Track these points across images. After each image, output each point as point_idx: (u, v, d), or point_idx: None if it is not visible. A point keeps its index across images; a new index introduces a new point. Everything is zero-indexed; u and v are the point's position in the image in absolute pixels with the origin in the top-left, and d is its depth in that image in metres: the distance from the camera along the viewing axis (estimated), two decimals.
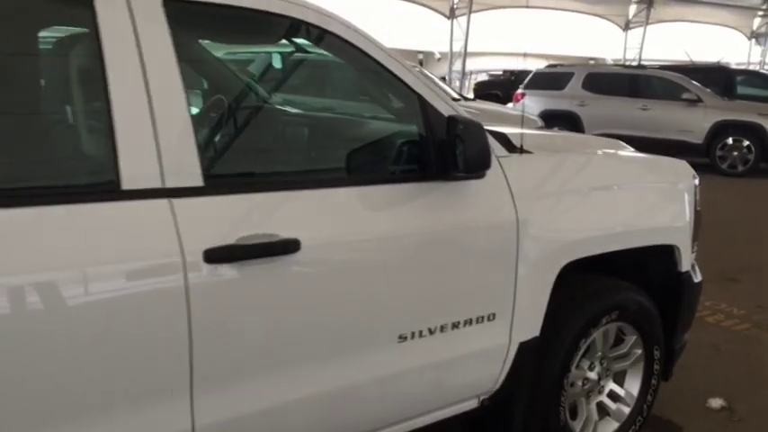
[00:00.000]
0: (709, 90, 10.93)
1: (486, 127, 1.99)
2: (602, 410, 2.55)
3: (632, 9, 22.01)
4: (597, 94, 11.49)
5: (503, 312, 2.07)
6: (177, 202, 1.48)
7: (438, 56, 23.22)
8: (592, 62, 21.42)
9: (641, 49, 21.94)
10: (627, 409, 2.57)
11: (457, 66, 18.58)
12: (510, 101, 12.70)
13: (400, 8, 18.83)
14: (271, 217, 1.62)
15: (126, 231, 1.43)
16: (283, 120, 2.50)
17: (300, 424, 1.77)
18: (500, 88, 18.69)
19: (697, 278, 2.71)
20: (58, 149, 1.64)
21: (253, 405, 1.64)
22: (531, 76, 12.63)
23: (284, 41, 2.21)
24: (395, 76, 1.88)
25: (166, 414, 1.52)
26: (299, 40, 2.15)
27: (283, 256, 1.60)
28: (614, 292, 2.40)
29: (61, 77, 1.74)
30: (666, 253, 2.55)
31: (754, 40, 24.81)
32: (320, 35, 1.86)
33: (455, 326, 1.97)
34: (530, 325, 2.15)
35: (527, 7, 19.04)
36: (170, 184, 1.48)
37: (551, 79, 12.13)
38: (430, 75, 9.70)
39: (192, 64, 2.02)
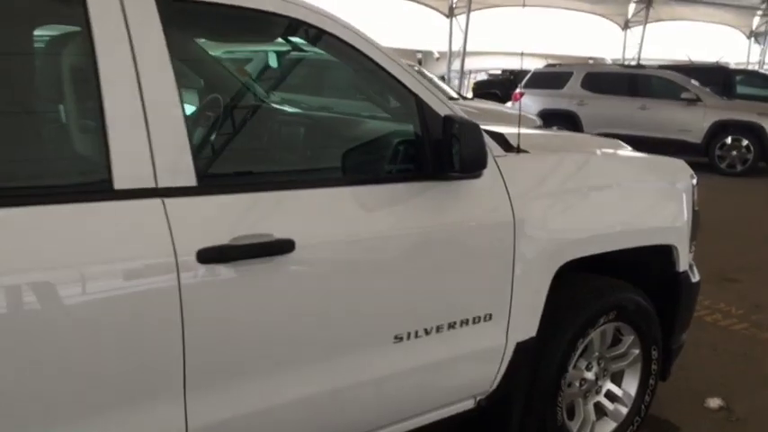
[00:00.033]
0: (708, 89, 10.93)
1: (482, 127, 1.98)
2: (600, 411, 2.54)
3: (631, 8, 21.97)
4: (596, 93, 11.48)
5: (499, 312, 2.06)
6: (170, 201, 1.47)
7: (437, 55, 23.20)
8: (591, 61, 21.42)
9: (640, 48, 21.91)
10: (624, 410, 2.56)
11: (456, 65, 18.55)
12: (509, 100, 12.69)
13: (399, 7, 18.81)
14: (265, 217, 1.61)
15: (118, 231, 1.42)
16: (278, 119, 2.49)
17: (295, 425, 1.76)
18: (499, 87, 18.70)
19: (695, 278, 2.71)
20: (49, 149, 1.62)
21: (246, 406, 1.63)
22: (529, 75, 12.62)
23: (280, 41, 2.20)
24: (391, 75, 1.87)
25: (159, 415, 1.51)
26: (295, 39, 2.14)
27: (277, 257, 1.59)
28: (612, 292, 2.39)
29: (53, 76, 1.72)
30: (664, 253, 2.55)
31: (753, 39, 24.79)
32: (315, 34, 1.86)
33: (451, 326, 1.96)
34: (526, 325, 2.14)
35: (526, 6, 19.02)
36: (163, 183, 1.47)
37: (550, 78, 12.12)
38: (429, 74, 9.69)
39: (185, 63, 2.00)
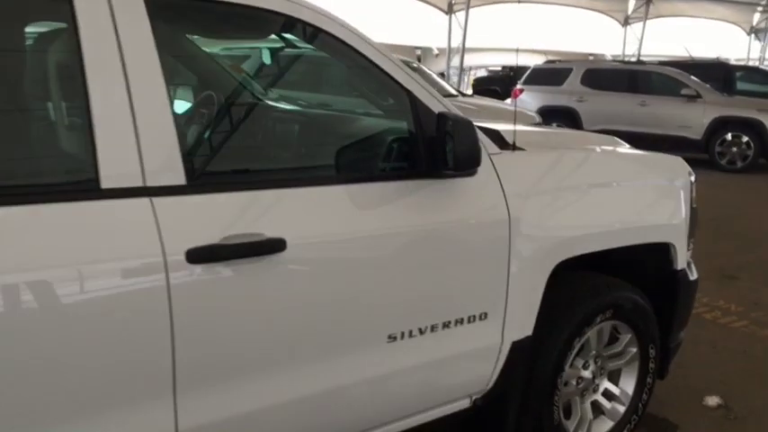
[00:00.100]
0: (708, 86, 10.90)
1: (478, 124, 1.96)
2: (597, 409, 2.53)
3: (631, 4, 21.93)
4: (596, 89, 11.46)
5: (495, 311, 2.04)
6: (158, 201, 1.45)
7: (436, 51, 23.15)
8: (591, 58, 21.39)
9: (640, 44, 21.87)
10: (622, 408, 2.55)
11: (455, 61, 18.51)
12: (509, 97, 12.66)
13: (398, 3, 18.79)
14: (256, 216, 1.59)
15: (105, 231, 1.40)
16: (270, 116, 2.47)
17: (287, 426, 1.74)
18: (499, 84, 18.68)
19: (693, 276, 2.69)
20: (35, 147, 1.60)
21: (237, 407, 1.61)
22: (529, 71, 12.60)
23: (272, 37, 2.18)
24: (383, 71, 1.85)
25: (149, 416, 1.49)
26: (287, 36, 2.12)
27: (269, 256, 1.57)
28: (609, 290, 2.37)
29: (38, 73, 1.70)
30: (662, 251, 2.53)
31: (753, 35, 24.74)
32: (308, 31, 1.83)
33: (446, 325, 1.95)
34: (522, 324, 2.12)
35: (525, 2, 18.98)
36: (151, 182, 1.45)
37: (550, 75, 12.10)
38: (428, 71, 9.66)
39: (174, 60, 1.98)
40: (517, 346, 2.12)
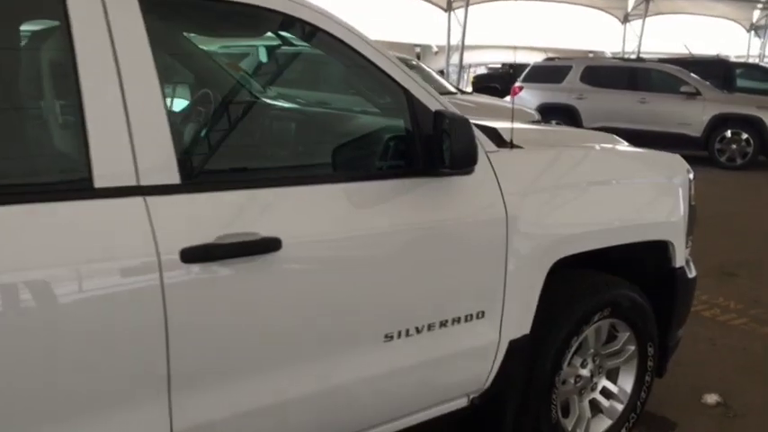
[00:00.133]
0: (708, 83, 10.89)
1: (476, 121, 1.95)
2: (595, 408, 2.52)
3: (631, 1, 21.89)
4: (596, 87, 11.45)
5: (492, 310, 2.04)
6: (152, 200, 1.44)
7: (435, 49, 23.13)
8: (590, 55, 21.36)
9: (640, 41, 21.84)
10: (620, 407, 2.54)
11: (455, 59, 18.49)
12: (509, 94, 12.63)
13: (397, 1, 18.76)
14: (251, 215, 1.59)
15: (99, 230, 1.39)
16: (266, 115, 2.46)
17: (283, 426, 1.73)
18: (499, 81, 18.63)
19: (691, 274, 2.68)
20: (28, 146, 1.59)
21: (233, 407, 1.60)
22: (528, 69, 12.58)
23: (268, 35, 2.17)
24: (381, 70, 1.83)
25: (144, 416, 1.49)
26: (283, 34, 2.11)
27: (264, 255, 1.56)
28: (606, 288, 2.36)
29: (31, 72, 1.69)
30: (660, 248, 2.52)
31: (753, 32, 24.71)
32: (304, 28, 1.82)
33: (443, 324, 1.94)
34: (520, 322, 2.12)
35: None
36: (145, 181, 1.44)
37: (549, 72, 12.08)
38: (427, 68, 9.64)
39: (169, 57, 1.97)
40: (515, 345, 2.11)
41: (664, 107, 10.79)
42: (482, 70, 23.95)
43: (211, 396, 1.57)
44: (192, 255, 1.46)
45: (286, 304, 1.64)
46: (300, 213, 1.66)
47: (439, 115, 1.79)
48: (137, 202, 1.43)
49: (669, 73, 11.14)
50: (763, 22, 24.14)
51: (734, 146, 10.53)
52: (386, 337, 1.83)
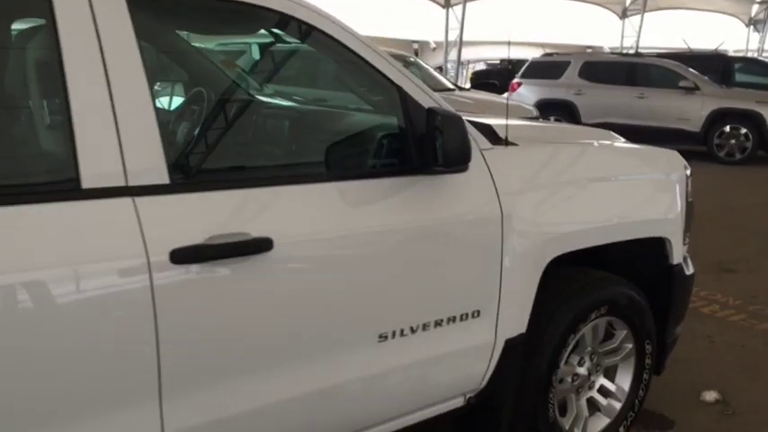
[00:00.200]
0: (706, 78, 10.87)
1: (470, 119, 1.93)
2: (593, 406, 2.51)
3: None
4: (594, 82, 11.43)
5: (487, 309, 2.02)
6: (141, 200, 1.42)
7: (433, 45, 23.08)
8: (589, 50, 21.31)
9: (638, 37, 21.80)
10: (618, 405, 2.53)
11: (453, 55, 18.44)
12: (507, 90, 12.60)
13: None
14: (242, 215, 1.57)
15: (87, 232, 1.37)
16: (257, 113, 2.43)
17: (277, 427, 1.72)
18: (497, 77, 18.57)
19: (689, 270, 2.67)
20: (14, 147, 1.57)
21: (225, 408, 1.59)
22: (527, 65, 12.55)
23: (261, 33, 2.15)
24: (374, 68, 1.81)
25: (134, 420, 1.47)
26: (276, 32, 2.09)
27: (255, 256, 1.54)
28: (603, 286, 2.35)
29: (17, 71, 1.67)
30: (658, 245, 2.50)
31: (752, 27, 24.65)
32: (296, 26, 1.80)
33: (438, 324, 1.92)
34: (516, 321, 2.10)
35: None
36: (133, 182, 1.42)
37: (548, 68, 12.05)
38: (425, 65, 9.61)
39: (157, 56, 1.95)
40: (511, 344, 2.09)
41: (662, 102, 10.78)
42: (480, 66, 23.91)
43: (202, 398, 1.55)
44: (182, 256, 1.44)
45: (278, 305, 1.63)
46: (292, 213, 1.64)
47: (431, 112, 1.76)
48: (125, 202, 1.41)
49: (667, 68, 11.13)
50: (761, 16, 24.09)
51: (733, 141, 10.52)
52: (380, 337, 1.81)
